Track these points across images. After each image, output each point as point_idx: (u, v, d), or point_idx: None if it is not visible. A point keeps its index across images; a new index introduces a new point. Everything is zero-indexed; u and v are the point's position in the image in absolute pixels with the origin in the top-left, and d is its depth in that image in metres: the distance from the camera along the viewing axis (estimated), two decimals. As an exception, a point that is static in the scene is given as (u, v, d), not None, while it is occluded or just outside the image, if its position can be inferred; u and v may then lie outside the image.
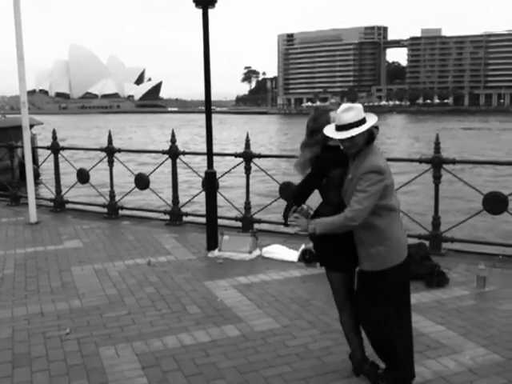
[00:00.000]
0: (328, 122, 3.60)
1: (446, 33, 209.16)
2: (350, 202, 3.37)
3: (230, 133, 65.80)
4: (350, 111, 3.40)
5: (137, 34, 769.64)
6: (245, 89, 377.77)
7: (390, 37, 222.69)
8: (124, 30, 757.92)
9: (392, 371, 3.68)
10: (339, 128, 3.41)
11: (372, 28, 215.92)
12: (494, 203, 6.78)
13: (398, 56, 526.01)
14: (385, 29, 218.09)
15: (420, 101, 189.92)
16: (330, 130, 3.48)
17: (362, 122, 3.41)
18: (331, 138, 3.50)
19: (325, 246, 3.71)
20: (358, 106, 3.46)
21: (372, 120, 3.46)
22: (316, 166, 3.64)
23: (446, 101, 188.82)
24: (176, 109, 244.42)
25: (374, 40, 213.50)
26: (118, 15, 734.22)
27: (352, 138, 3.39)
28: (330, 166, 3.60)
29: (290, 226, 3.61)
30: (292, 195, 3.86)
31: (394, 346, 3.61)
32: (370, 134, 3.47)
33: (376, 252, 3.50)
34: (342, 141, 3.45)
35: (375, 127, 3.52)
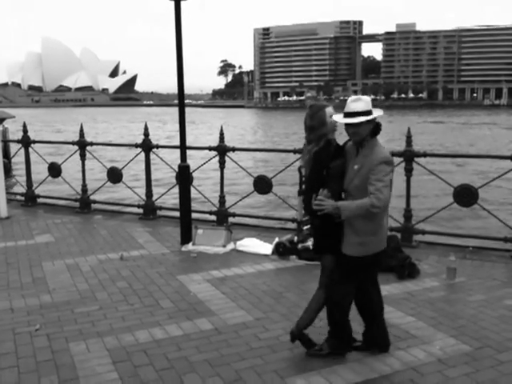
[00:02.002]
0: (324, 118, 3.86)
1: (420, 28, 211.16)
2: (372, 191, 3.60)
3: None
4: (359, 101, 3.71)
5: (110, 27, 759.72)
6: (221, 82, 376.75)
7: (365, 31, 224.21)
8: (98, 24, 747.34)
9: (334, 338, 4.07)
10: (347, 115, 3.71)
11: (347, 22, 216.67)
12: (464, 196, 6.89)
13: (373, 51, 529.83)
14: (360, 23, 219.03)
15: (395, 95, 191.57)
16: (338, 117, 3.79)
17: (369, 113, 3.70)
18: (331, 132, 3.86)
19: (328, 229, 3.90)
20: (367, 98, 3.76)
21: (378, 112, 3.75)
22: (317, 159, 3.86)
23: (420, 95, 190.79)
24: (151, 102, 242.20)
25: (350, 34, 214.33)
26: (91, 8, 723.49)
27: (358, 125, 3.67)
28: (329, 159, 3.84)
29: (317, 211, 3.72)
30: (306, 190, 4.02)
31: (345, 318, 4.03)
32: (376, 127, 3.75)
33: (368, 241, 3.80)
34: (347, 127, 3.74)
35: (379, 123, 3.79)
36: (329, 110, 3.90)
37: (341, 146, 3.96)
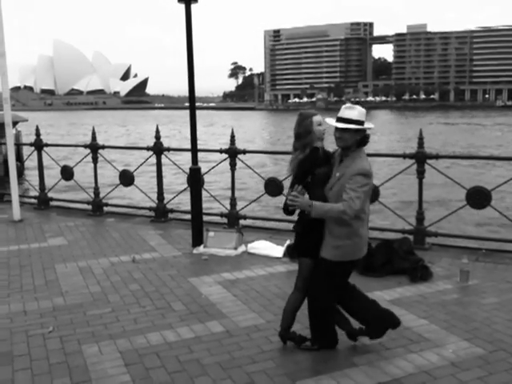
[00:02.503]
0: (311, 127, 3.96)
1: (431, 29, 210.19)
2: (345, 198, 3.70)
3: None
4: (353, 110, 3.83)
5: (122, 31, 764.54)
6: (232, 85, 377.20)
7: (376, 33, 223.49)
8: (110, 27, 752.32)
9: (319, 340, 4.21)
10: (338, 119, 3.83)
11: (358, 24, 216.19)
12: (477, 198, 6.84)
13: (384, 52, 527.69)
14: (371, 25, 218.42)
15: (406, 97, 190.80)
16: (330, 120, 3.90)
17: (360, 123, 3.81)
18: (318, 140, 3.96)
19: (307, 234, 4.03)
20: (362, 110, 3.87)
21: (369, 125, 3.86)
22: (300, 166, 3.96)
23: (431, 96, 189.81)
24: (163, 105, 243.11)
25: (360, 36, 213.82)
26: (102, 12, 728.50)
27: (344, 131, 3.79)
28: (315, 166, 3.94)
29: (290, 206, 3.81)
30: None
31: (327, 321, 4.18)
32: (364, 139, 3.86)
33: (343, 244, 3.90)
34: (335, 131, 3.85)
35: (367, 135, 3.89)
36: (316, 118, 3.99)
37: (330, 153, 4.08)
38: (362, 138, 3.85)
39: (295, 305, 4.25)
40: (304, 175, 3.95)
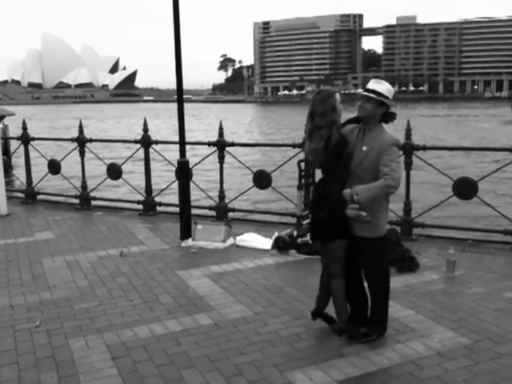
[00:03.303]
0: (335, 104, 3.89)
1: (420, 20, 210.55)
2: (386, 172, 3.68)
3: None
4: (382, 84, 3.88)
5: (110, 25, 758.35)
6: (221, 77, 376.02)
7: (366, 24, 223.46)
8: (97, 21, 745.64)
9: (379, 327, 4.23)
10: (365, 90, 3.88)
11: (348, 16, 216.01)
12: (463, 189, 6.88)
13: (373, 44, 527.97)
14: (360, 16, 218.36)
15: (395, 88, 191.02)
16: (360, 90, 3.88)
17: (385, 97, 3.84)
18: (340, 116, 3.92)
19: (335, 216, 3.96)
20: (391, 88, 3.92)
21: (391, 102, 3.89)
22: (337, 148, 3.87)
23: (421, 88, 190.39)
24: (152, 98, 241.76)
25: (350, 28, 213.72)
26: (90, 8, 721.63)
27: (367, 101, 3.82)
28: (346, 145, 3.90)
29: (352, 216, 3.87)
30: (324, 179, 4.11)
31: (383, 300, 4.22)
32: (388, 115, 3.90)
33: (384, 218, 4.03)
34: (360, 100, 3.88)
35: (393, 113, 3.92)
36: (338, 96, 3.96)
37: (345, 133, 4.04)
38: (385, 113, 3.89)
39: (343, 290, 4.16)
40: (338, 158, 3.90)
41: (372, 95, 3.82)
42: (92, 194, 9.68)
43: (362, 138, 3.90)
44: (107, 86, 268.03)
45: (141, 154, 9.05)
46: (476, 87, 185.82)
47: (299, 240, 6.64)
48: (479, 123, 58.69)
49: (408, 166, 7.16)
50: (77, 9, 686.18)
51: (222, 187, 8.51)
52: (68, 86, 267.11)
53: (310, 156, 4.08)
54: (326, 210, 3.96)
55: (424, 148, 7.14)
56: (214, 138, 8.46)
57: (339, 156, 3.90)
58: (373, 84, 3.90)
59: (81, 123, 9.66)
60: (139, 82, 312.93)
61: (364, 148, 3.83)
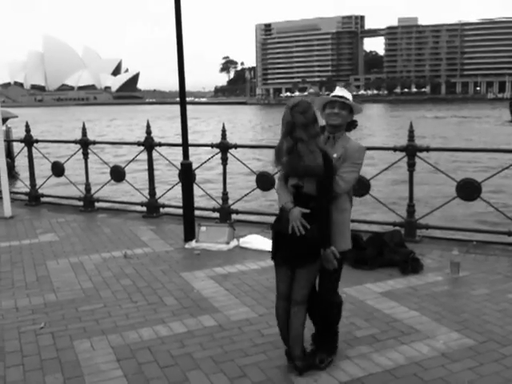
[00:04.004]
0: (315, 114, 3.69)
1: (422, 22, 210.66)
2: (340, 174, 3.67)
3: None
4: (345, 92, 3.88)
5: (113, 27, 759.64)
6: (223, 79, 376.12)
7: (367, 26, 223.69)
8: (98, 23, 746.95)
9: (329, 342, 4.03)
10: (336, 97, 3.82)
11: (349, 17, 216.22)
12: (467, 190, 6.87)
13: (375, 45, 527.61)
14: (362, 18, 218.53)
15: (398, 90, 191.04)
16: (331, 94, 3.89)
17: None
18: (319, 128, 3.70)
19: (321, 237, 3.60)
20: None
21: (360, 108, 3.90)
22: (328, 163, 3.56)
23: (423, 89, 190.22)
24: (154, 100, 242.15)
25: (352, 29, 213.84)
26: (92, 10, 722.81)
27: (343, 108, 3.77)
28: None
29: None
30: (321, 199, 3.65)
31: (336, 318, 4.04)
32: (352, 123, 3.88)
33: (347, 235, 3.84)
34: (335, 108, 3.77)
35: (355, 121, 3.92)
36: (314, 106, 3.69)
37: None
38: (351, 121, 3.89)
39: (303, 322, 3.74)
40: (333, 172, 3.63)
41: (348, 101, 3.77)
42: (95, 196, 9.70)
43: (332, 145, 3.80)
44: (110, 88, 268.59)
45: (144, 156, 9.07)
46: (478, 88, 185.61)
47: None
48: (489, 125, 58.47)
49: (411, 167, 7.16)
50: (77, 10, 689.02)
51: (225, 189, 8.52)
52: (71, 88, 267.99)
53: (299, 173, 3.60)
54: (314, 230, 3.52)
55: (427, 149, 7.14)
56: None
57: (334, 170, 3.65)
58: (341, 91, 3.87)
59: (84, 126, 9.69)
60: (142, 85, 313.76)
61: (335, 155, 3.74)
